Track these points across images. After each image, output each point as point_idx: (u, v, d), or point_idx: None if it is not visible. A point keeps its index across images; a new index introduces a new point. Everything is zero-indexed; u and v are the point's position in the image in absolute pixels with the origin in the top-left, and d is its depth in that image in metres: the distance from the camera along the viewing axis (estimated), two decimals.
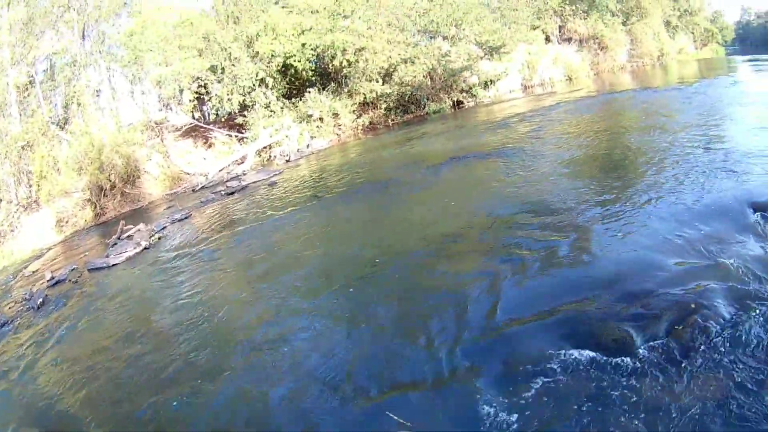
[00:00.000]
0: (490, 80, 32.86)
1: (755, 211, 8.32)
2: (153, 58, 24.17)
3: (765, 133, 12.68)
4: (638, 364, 5.31)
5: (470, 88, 31.75)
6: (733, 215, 8.33)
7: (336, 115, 25.96)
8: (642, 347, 5.54)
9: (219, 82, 24.43)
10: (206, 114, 26.18)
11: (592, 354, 5.56)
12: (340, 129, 26.12)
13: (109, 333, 9.21)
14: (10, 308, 12.33)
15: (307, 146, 24.20)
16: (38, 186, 19.99)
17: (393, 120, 28.53)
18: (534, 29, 39.12)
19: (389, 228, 11.46)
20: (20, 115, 22.29)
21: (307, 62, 25.83)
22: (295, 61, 25.25)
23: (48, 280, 12.92)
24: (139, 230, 14.93)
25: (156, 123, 24.11)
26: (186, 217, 16.07)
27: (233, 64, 24.18)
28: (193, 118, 25.40)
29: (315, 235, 11.75)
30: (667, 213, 8.79)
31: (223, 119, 25.98)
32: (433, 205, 12.37)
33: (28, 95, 22.99)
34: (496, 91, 33.23)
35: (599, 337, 5.83)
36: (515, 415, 5.08)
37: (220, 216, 15.69)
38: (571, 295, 6.81)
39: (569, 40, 40.78)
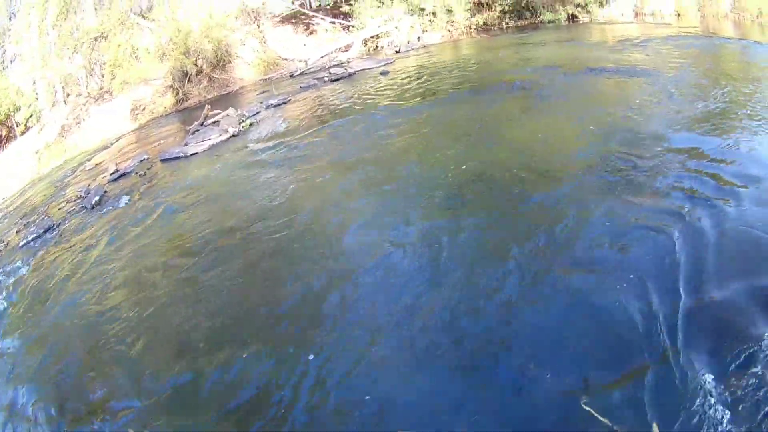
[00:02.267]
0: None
1: None
2: None
3: None
4: None
5: (586, 4, 28.53)
6: None
7: (450, 11, 23.47)
8: None
9: None
10: (309, 1, 24.23)
11: None
12: (452, 26, 23.75)
13: (168, 244, 7.99)
14: (60, 209, 10.94)
15: (418, 39, 22.04)
16: (112, 75, 18.38)
17: (507, 24, 25.95)
18: None
19: (506, 137, 9.99)
20: (96, 9, 20.53)
21: None
22: None
23: (111, 174, 10.98)
24: (227, 115, 12.67)
25: (253, 9, 22.01)
26: (283, 103, 13.84)
27: None
28: (295, 4, 23.56)
29: (422, 140, 10.26)
30: None
31: (327, 7, 24.03)
32: (547, 115, 11.00)
33: None
34: (610, 12, 29.83)
35: None
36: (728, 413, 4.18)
37: (322, 104, 13.56)
38: (762, 261, 5.75)
39: None
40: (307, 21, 22.51)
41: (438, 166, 8.82)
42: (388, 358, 5.11)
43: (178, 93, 17.69)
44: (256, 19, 21.51)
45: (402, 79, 15.32)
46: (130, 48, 19.16)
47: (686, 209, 6.89)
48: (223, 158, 10.94)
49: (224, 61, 18.86)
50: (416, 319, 5.40)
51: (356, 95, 13.98)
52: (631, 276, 5.65)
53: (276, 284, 6.38)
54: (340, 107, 12.88)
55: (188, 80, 17.90)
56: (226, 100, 16.38)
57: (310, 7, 23.85)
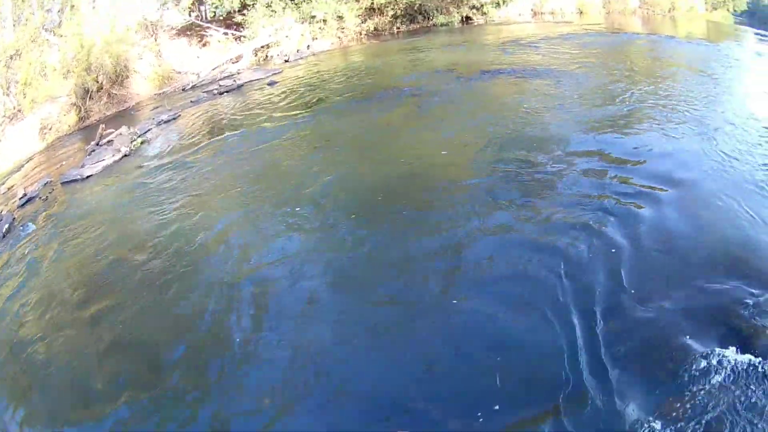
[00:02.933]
0: (503, 0, 30.54)
1: None
2: None
3: None
4: None
5: (482, 6, 29.45)
6: None
7: (341, 17, 23.81)
8: None
9: None
10: (204, 13, 24.15)
11: (741, 355, 4.54)
12: (343, 32, 24.16)
13: (69, 271, 7.75)
14: None
15: (308, 47, 22.37)
16: (23, 94, 17.92)
17: (398, 28, 26.49)
18: None
19: (397, 147, 9.91)
20: (14, 25, 19.98)
21: None
22: None
23: (20, 198, 11.03)
24: (120, 134, 12.81)
25: (151, 23, 21.83)
26: (173, 119, 14.06)
27: None
28: (190, 16, 23.39)
29: (309, 149, 10.48)
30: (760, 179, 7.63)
31: (221, 18, 24.02)
32: (442, 122, 11.08)
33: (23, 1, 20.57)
34: (507, 13, 30.90)
35: (742, 331, 4.85)
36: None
37: (210, 118, 13.81)
38: (694, 269, 5.80)
39: None
40: (201, 33, 22.51)
41: (325, 181, 8.76)
42: (277, 394, 4.94)
43: (80, 110, 17.47)
44: (154, 32, 21.37)
45: (289, 89, 15.46)
46: (39, 66, 18.69)
47: (596, 220, 6.78)
48: (116, 180, 10.80)
49: (123, 76, 18.72)
50: (312, 361, 5.18)
51: (242, 108, 14.21)
52: (539, 300, 5.49)
53: (172, 314, 6.22)
54: (227, 122, 13.08)
55: (90, 97, 17.69)
56: (124, 116, 16.27)
57: (205, 18, 23.80)
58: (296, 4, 23.01)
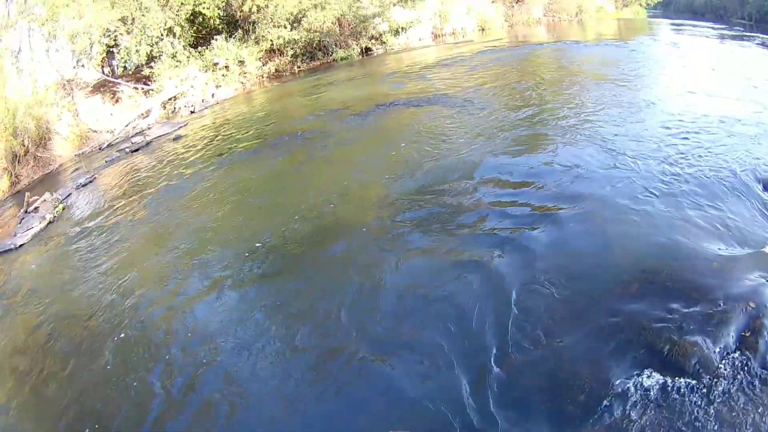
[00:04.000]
0: (402, 28, 31.62)
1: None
2: (68, 12, 22.13)
3: (685, 94, 12.61)
4: (720, 386, 4.35)
5: (380, 35, 30.60)
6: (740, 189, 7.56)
7: (242, 62, 24.71)
8: (717, 363, 4.54)
9: (128, 33, 22.95)
10: (115, 68, 24.53)
11: (661, 377, 4.47)
12: (245, 77, 24.88)
13: (9, 346, 7.77)
14: None
15: (212, 95, 23.03)
16: None
17: (299, 67, 27.28)
18: None
19: (295, 193, 10.43)
20: None
21: (216, 9, 24.37)
22: (204, 8, 23.90)
23: None
24: (44, 200, 13.52)
25: (68, 81, 22.37)
26: (90, 182, 14.77)
27: (143, 14, 22.59)
28: (103, 73, 23.91)
29: (215, 203, 10.85)
30: (663, 184, 7.82)
31: (130, 72, 24.41)
32: (352, 161, 11.70)
33: None
34: (407, 39, 32.05)
35: (662, 351, 4.73)
36: None
37: (125, 178, 14.41)
38: (603, 291, 5.68)
39: None
40: (113, 89, 22.77)
41: (229, 238, 9.10)
42: None
43: (11, 176, 17.21)
44: (70, 91, 21.72)
45: (193, 143, 16.17)
46: None
47: (492, 253, 6.67)
48: (45, 248, 10.99)
49: (45, 138, 18.85)
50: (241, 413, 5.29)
51: (151, 166, 14.70)
52: (429, 346, 5.41)
53: (112, 382, 6.18)
54: (141, 180, 13.65)
55: (18, 161, 17.50)
56: (50, 179, 16.62)
57: (115, 74, 24.08)
58: (199, 53, 23.92)
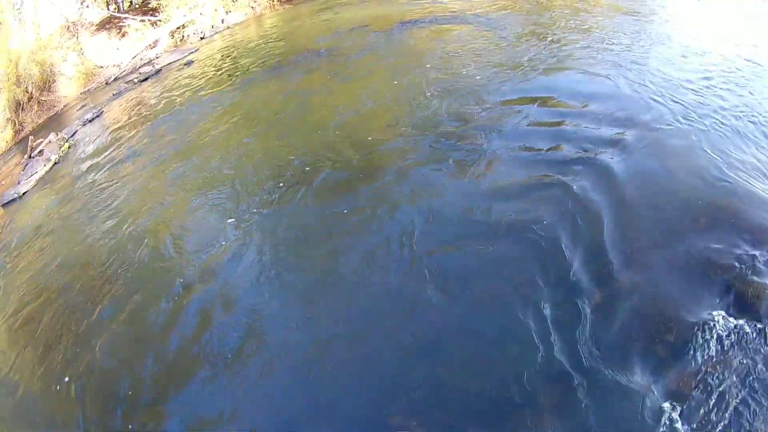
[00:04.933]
0: None
1: None
2: None
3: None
4: None
5: None
6: None
7: None
8: None
9: None
10: (120, 4, 23.11)
11: (739, 320, 4.19)
12: (255, 2, 23.15)
13: (21, 300, 7.14)
14: None
15: (222, 21, 21.61)
16: None
17: None
18: None
19: (320, 113, 9.53)
20: None
21: None
22: None
23: None
24: (49, 142, 12.38)
25: (72, 23, 21.00)
26: (97, 116, 13.69)
27: None
28: (108, 10, 22.53)
29: (233, 126, 10.04)
30: (722, 119, 7.09)
31: (137, 6, 23.10)
32: (362, 81, 10.67)
33: None
34: None
35: (738, 292, 4.43)
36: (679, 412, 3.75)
37: (135, 108, 13.35)
38: (676, 222, 5.30)
39: None
40: (119, 24, 21.72)
41: (259, 154, 8.50)
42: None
43: (15, 124, 16.69)
44: (75, 32, 20.64)
45: (207, 66, 15.03)
46: None
47: (560, 175, 6.19)
48: (50, 191, 10.24)
49: (50, 81, 18.14)
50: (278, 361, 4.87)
51: (163, 93, 13.73)
52: (514, 279, 4.96)
53: (138, 329, 5.76)
54: (149, 109, 12.61)
55: (22, 109, 17.00)
56: (54, 121, 15.72)
57: (121, 9, 22.94)
58: None
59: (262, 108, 10.56)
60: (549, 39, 10.81)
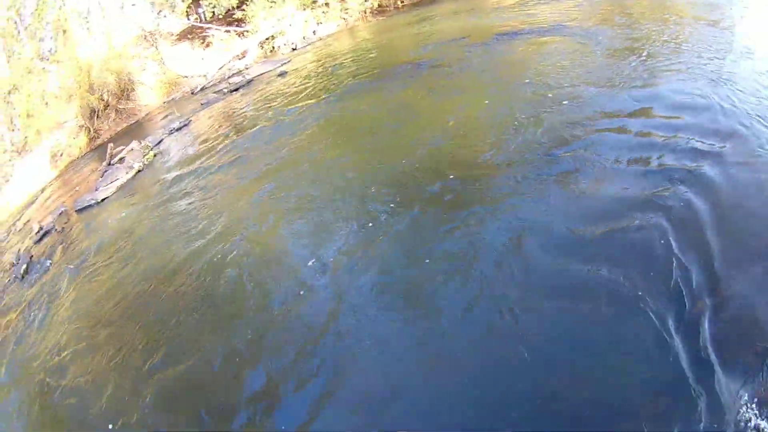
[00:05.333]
0: None
1: None
2: None
3: None
4: None
5: None
6: None
7: None
8: None
9: None
10: (202, 15, 22.51)
11: None
12: (347, 13, 22.31)
13: (96, 308, 6.95)
14: None
15: (314, 32, 20.91)
16: (26, 126, 17.11)
17: (402, 2, 24.21)
18: None
19: (422, 126, 9.06)
20: (8, 60, 19.10)
21: None
22: None
23: (36, 233, 10.07)
24: (131, 150, 11.71)
25: (150, 33, 20.75)
26: (185, 125, 12.98)
27: None
28: (188, 20, 22.07)
29: (332, 139, 9.66)
30: None
31: (220, 17, 22.41)
32: (464, 94, 10.08)
33: (16, 37, 19.63)
34: None
35: None
36: None
37: (224, 118, 12.81)
38: None
39: None
40: (202, 34, 21.51)
41: (356, 172, 8.03)
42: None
43: (89, 131, 16.54)
44: (153, 42, 20.42)
45: (300, 77, 14.38)
46: (39, 95, 17.83)
47: (664, 186, 5.96)
48: (132, 200, 9.97)
49: (128, 90, 17.86)
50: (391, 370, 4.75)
51: (255, 103, 13.25)
52: (623, 285, 4.81)
53: (228, 346, 5.56)
54: (242, 119, 12.14)
55: (97, 116, 16.79)
56: (135, 130, 15.37)
57: (203, 19, 22.61)
58: None
59: (355, 125, 10.13)
60: (643, 52, 10.39)
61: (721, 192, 5.75)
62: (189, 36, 21.42)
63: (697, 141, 6.74)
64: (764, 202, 5.50)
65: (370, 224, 6.63)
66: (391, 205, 6.93)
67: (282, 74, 15.28)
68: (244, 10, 21.23)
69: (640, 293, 4.65)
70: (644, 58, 10.03)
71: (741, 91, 7.94)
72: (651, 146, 6.83)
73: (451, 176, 7.24)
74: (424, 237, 6.27)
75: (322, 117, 10.75)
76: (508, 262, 5.49)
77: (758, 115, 7.06)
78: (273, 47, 20.61)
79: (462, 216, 6.41)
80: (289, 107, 11.83)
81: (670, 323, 4.33)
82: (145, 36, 20.18)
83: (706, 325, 4.22)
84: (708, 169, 6.12)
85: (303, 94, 12.53)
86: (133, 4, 21.88)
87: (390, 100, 10.92)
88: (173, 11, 21.68)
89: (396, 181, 7.43)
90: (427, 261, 5.83)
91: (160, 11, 21.57)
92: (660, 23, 12.38)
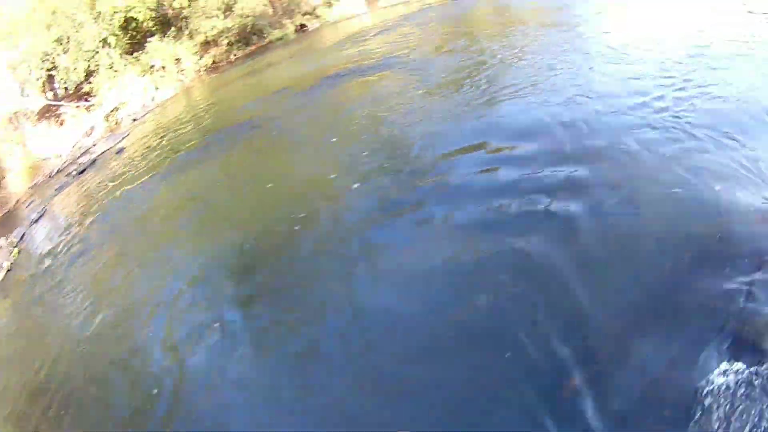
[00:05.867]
0: None
1: None
2: (4, 44, 21.96)
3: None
4: None
5: (314, 10, 29.40)
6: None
7: (178, 60, 23.79)
8: None
9: (65, 53, 22.33)
10: (57, 91, 23.45)
11: (746, 365, 3.77)
12: (183, 74, 23.94)
13: None
14: None
15: (152, 99, 22.16)
16: None
17: (236, 55, 26.27)
18: None
19: (259, 186, 9.25)
20: None
21: (148, 11, 23.62)
22: (136, 12, 23.20)
23: None
24: (0, 248, 12.49)
25: (14, 114, 21.34)
26: (41, 216, 13.70)
27: (77, 31, 22.09)
28: (46, 98, 22.86)
29: (175, 213, 9.95)
30: (674, 130, 6.68)
31: (71, 92, 23.30)
32: (309, 143, 10.34)
33: None
34: (341, 10, 30.34)
35: (739, 333, 4.00)
36: None
37: (75, 204, 13.34)
38: (657, 267, 4.76)
39: None
40: (57, 112, 21.82)
41: (192, 253, 8.14)
42: None
43: None
44: (17, 124, 20.86)
45: (138, 152, 15.01)
46: None
47: (527, 231, 5.53)
48: (9, 300, 10.03)
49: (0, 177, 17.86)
50: None
51: (99, 186, 13.64)
52: (479, 383, 4.30)
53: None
54: (87, 206, 12.57)
55: None
56: (8, 220, 15.37)
57: (57, 96, 23.04)
58: (135, 58, 23.05)
59: (192, 193, 10.48)
60: (482, 77, 10.46)
61: (579, 230, 5.35)
62: (47, 115, 21.84)
63: (548, 171, 6.40)
64: (629, 231, 5.23)
65: (215, 303, 6.59)
66: (233, 282, 6.87)
67: (119, 151, 16.20)
68: (91, 82, 22.64)
69: (495, 385, 4.16)
70: (484, 83, 9.95)
71: (590, 99, 8.06)
72: (493, 190, 6.40)
73: (260, 263, 7.09)
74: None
75: (158, 192, 11.21)
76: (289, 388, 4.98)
77: (610, 129, 7.00)
78: (117, 120, 21.46)
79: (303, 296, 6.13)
80: (129, 186, 12.36)
81: (540, 416, 3.83)
82: (10, 118, 20.70)
83: (585, 407, 3.82)
84: (560, 207, 5.74)
85: (140, 171, 13.17)
86: None
87: (220, 166, 11.40)
88: (34, 88, 22.26)
89: (223, 265, 7.30)
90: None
91: (23, 90, 22.26)
92: (503, 38, 13.11)
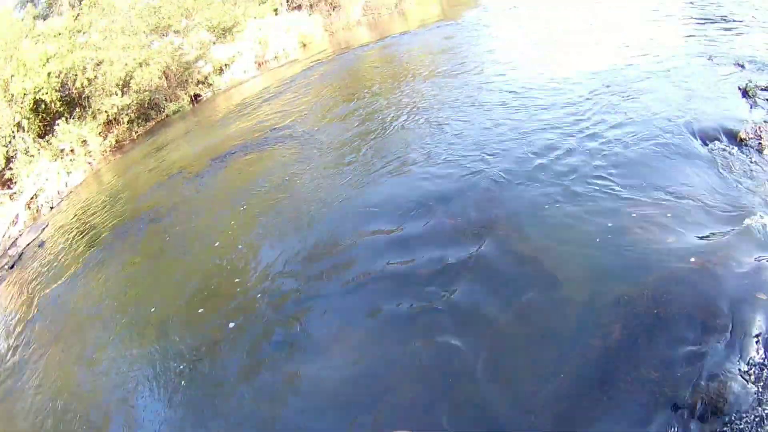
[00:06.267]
0: (225, 65, 31.97)
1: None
2: None
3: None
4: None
5: (206, 78, 30.86)
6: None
7: (84, 142, 24.13)
8: (751, 393, 3.82)
9: None
10: None
11: None
12: (91, 156, 24.29)
13: None
14: None
15: (66, 184, 22.24)
16: None
17: (137, 132, 26.74)
18: (262, 4, 38.09)
19: (157, 291, 9.46)
20: None
21: (54, 92, 24.27)
22: (43, 94, 23.30)
23: None
24: None
25: None
26: None
27: None
28: None
29: (91, 319, 9.87)
30: (586, 175, 6.67)
31: None
32: (202, 237, 10.50)
33: None
34: (231, 75, 32.09)
35: (684, 400, 3.83)
36: None
37: (5, 305, 13.13)
38: (581, 349, 4.48)
39: (299, 7, 39.52)
40: None
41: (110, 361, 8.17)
42: None
43: None
44: None
45: (58, 246, 15.17)
46: None
47: (424, 329, 5.36)
48: None
49: None
50: None
51: (30, 280, 13.52)
52: None
53: None
54: (23, 302, 12.31)
55: None
56: None
57: None
58: (47, 141, 23.58)
59: (110, 295, 10.37)
60: (368, 146, 10.46)
61: (489, 325, 5.10)
62: None
63: (449, 252, 6.11)
64: (542, 307, 5.00)
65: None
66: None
67: (41, 245, 16.09)
68: (11, 168, 22.54)
69: None
70: (372, 156, 9.83)
71: (490, 160, 7.86)
72: (392, 281, 6.15)
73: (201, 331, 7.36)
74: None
75: (76, 293, 11.13)
76: None
77: (513, 194, 6.73)
78: (37, 207, 21.19)
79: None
80: (52, 285, 12.33)
81: None
82: None
83: None
84: (464, 293, 5.46)
85: (67, 265, 13.21)
86: None
87: (121, 267, 11.47)
88: None
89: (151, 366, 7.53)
90: None
91: None
92: (391, 95, 13.28)
